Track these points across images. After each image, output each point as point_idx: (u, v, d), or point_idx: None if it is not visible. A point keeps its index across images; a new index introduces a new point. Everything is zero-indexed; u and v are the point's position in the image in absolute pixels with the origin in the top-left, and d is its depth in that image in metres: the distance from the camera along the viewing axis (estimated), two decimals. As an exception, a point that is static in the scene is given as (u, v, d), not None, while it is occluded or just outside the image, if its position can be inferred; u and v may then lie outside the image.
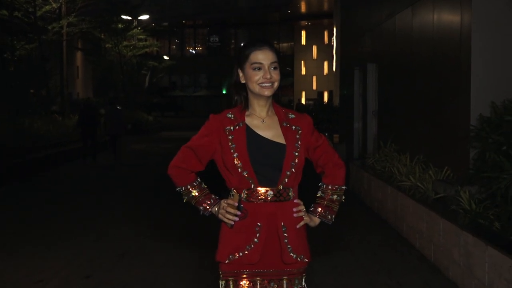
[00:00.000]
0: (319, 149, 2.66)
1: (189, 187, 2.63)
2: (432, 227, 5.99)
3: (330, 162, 2.68)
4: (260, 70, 2.55)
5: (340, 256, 6.26)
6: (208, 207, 2.62)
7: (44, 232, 7.47)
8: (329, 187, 2.68)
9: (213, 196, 2.64)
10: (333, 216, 2.69)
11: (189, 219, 8.14)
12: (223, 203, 2.55)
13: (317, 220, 2.67)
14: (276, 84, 2.57)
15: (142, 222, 8.07)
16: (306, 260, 2.61)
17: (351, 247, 6.68)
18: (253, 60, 2.56)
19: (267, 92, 2.56)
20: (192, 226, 7.75)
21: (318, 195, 2.70)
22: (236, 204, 2.52)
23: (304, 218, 2.61)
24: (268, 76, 2.54)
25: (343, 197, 2.72)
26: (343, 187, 2.71)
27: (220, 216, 2.56)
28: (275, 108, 2.66)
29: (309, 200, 2.75)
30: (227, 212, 2.53)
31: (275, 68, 2.57)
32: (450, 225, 5.49)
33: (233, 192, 2.56)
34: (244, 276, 2.57)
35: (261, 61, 2.55)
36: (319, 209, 2.67)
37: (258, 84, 2.56)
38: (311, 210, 2.67)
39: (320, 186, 2.71)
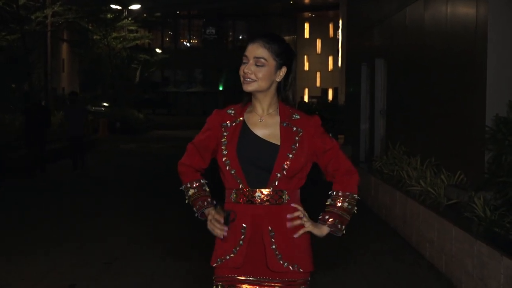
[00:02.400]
0: (327, 154, 2.62)
1: (188, 185, 2.71)
2: (444, 235, 5.99)
3: (341, 168, 2.63)
4: (244, 64, 2.61)
5: (343, 267, 6.25)
6: (199, 208, 2.67)
7: (28, 237, 7.45)
8: (340, 193, 2.63)
9: (209, 199, 2.68)
10: (343, 227, 2.62)
11: (182, 225, 8.13)
12: (210, 215, 2.61)
13: (325, 230, 2.60)
14: (260, 83, 2.59)
15: (133, 228, 8.06)
16: (302, 270, 2.58)
17: (355, 257, 6.67)
18: (244, 53, 2.63)
19: (249, 87, 2.60)
20: (185, 233, 7.74)
21: (328, 203, 2.65)
22: (222, 221, 2.58)
23: (306, 225, 2.57)
24: (246, 70, 2.59)
25: (356, 208, 2.65)
26: (356, 196, 2.64)
27: (208, 228, 2.61)
28: (281, 108, 2.67)
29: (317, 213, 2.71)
30: (215, 226, 2.59)
31: (259, 65, 2.58)
32: (463, 233, 5.49)
33: (218, 207, 2.63)
34: (233, 282, 2.59)
35: (246, 54, 2.61)
36: (328, 217, 2.61)
37: (242, 76, 2.62)
38: (319, 219, 2.63)
39: (330, 194, 2.66)
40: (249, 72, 2.58)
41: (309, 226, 2.57)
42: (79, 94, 17.75)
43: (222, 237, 2.57)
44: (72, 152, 14.17)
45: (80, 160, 14.20)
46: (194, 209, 2.68)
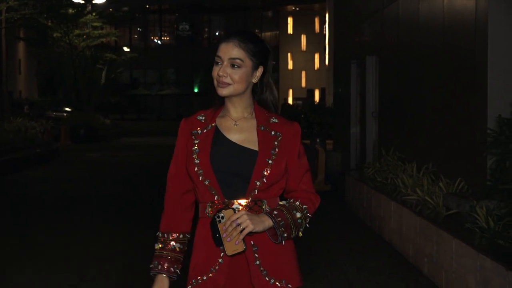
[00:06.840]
0: (297, 169, 2.65)
1: (159, 235, 2.72)
2: (443, 249, 6.03)
3: (306, 188, 2.67)
4: (218, 65, 2.62)
5: (334, 285, 6.26)
6: (153, 267, 2.68)
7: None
8: (297, 203, 2.63)
9: (169, 267, 2.66)
10: (284, 236, 2.55)
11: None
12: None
13: (266, 223, 2.51)
14: (237, 86, 2.60)
15: (102, 247, 8.03)
16: (291, 286, 2.60)
17: (347, 274, 6.69)
18: (216, 53, 2.63)
19: (223, 92, 2.61)
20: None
21: (282, 203, 2.62)
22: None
23: (247, 229, 2.48)
24: (221, 73, 2.59)
25: (301, 232, 2.62)
26: (309, 216, 2.64)
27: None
28: (256, 111, 2.69)
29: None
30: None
31: (235, 66, 2.59)
32: (464, 246, 5.52)
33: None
34: None
35: (220, 55, 2.61)
36: (277, 214, 2.54)
37: (216, 80, 2.62)
38: (266, 212, 2.55)
39: (285, 199, 2.66)
40: (224, 75, 2.59)
41: (249, 226, 2.47)
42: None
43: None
44: None
45: None
46: (156, 262, 2.67)
